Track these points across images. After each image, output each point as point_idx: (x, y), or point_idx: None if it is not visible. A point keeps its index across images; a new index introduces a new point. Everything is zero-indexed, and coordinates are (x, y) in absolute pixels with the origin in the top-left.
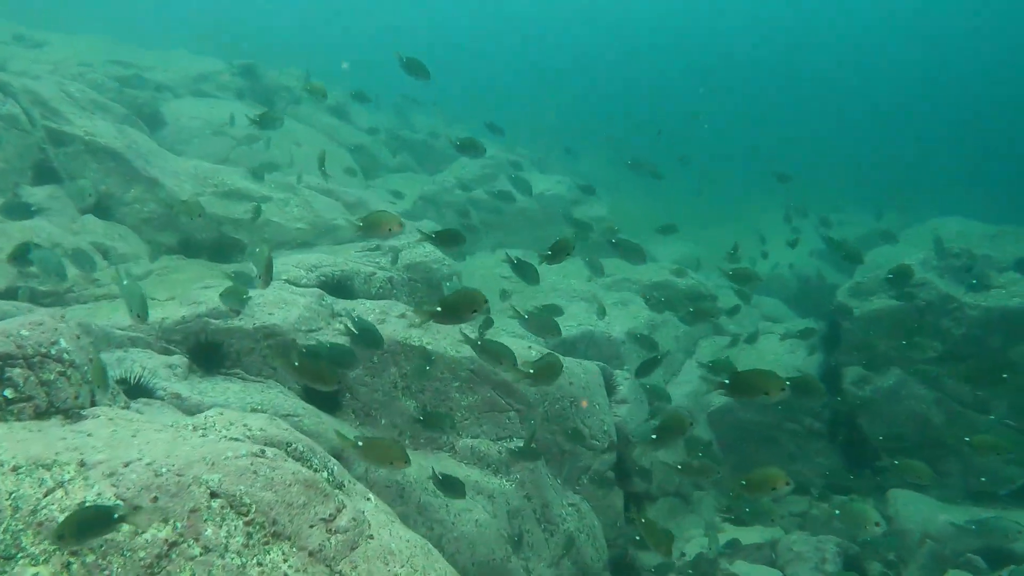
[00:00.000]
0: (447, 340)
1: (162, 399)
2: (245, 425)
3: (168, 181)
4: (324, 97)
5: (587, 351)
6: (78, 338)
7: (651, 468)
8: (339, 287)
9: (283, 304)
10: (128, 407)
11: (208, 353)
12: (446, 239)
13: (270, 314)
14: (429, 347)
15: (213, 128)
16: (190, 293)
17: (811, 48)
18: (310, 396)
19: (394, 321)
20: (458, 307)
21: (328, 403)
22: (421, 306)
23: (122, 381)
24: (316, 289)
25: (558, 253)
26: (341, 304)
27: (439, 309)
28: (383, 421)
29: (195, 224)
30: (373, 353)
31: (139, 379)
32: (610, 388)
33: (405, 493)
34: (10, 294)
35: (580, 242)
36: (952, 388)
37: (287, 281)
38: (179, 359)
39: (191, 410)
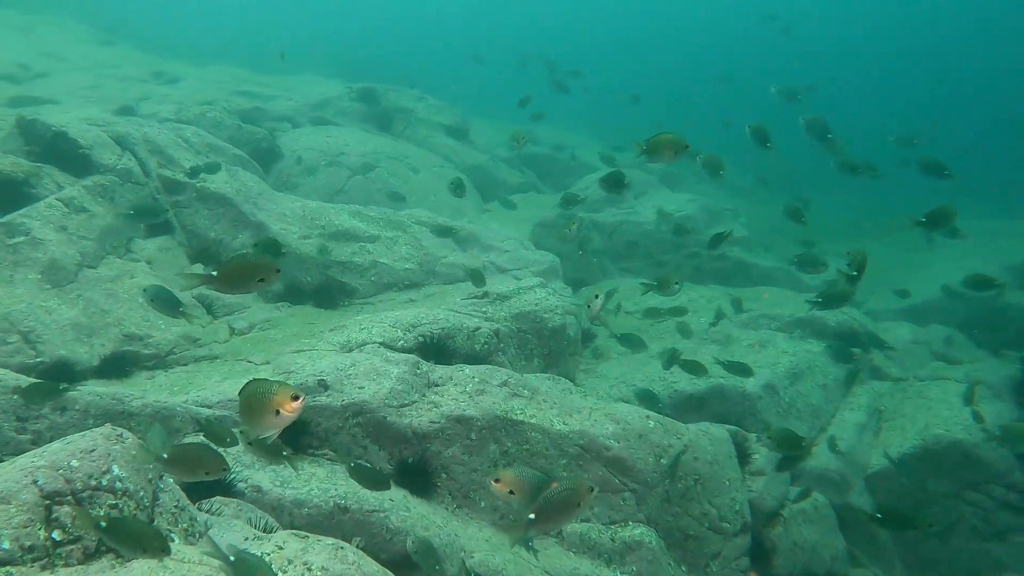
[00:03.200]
0: (554, 411)
1: (243, 492)
2: (305, 564)
3: (275, 225)
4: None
5: (718, 409)
6: (136, 457)
7: (798, 546)
8: (439, 348)
9: (375, 376)
10: (194, 523)
11: (294, 434)
12: None
13: (360, 388)
14: (533, 420)
15: (328, 158)
16: (282, 359)
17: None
18: (401, 479)
19: (495, 391)
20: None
21: (421, 486)
22: None
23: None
24: (412, 356)
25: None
26: (439, 371)
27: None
28: (482, 504)
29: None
30: None
31: None
32: (743, 456)
33: None
34: (116, 359)
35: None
36: None
37: (382, 344)
38: None
39: (271, 506)
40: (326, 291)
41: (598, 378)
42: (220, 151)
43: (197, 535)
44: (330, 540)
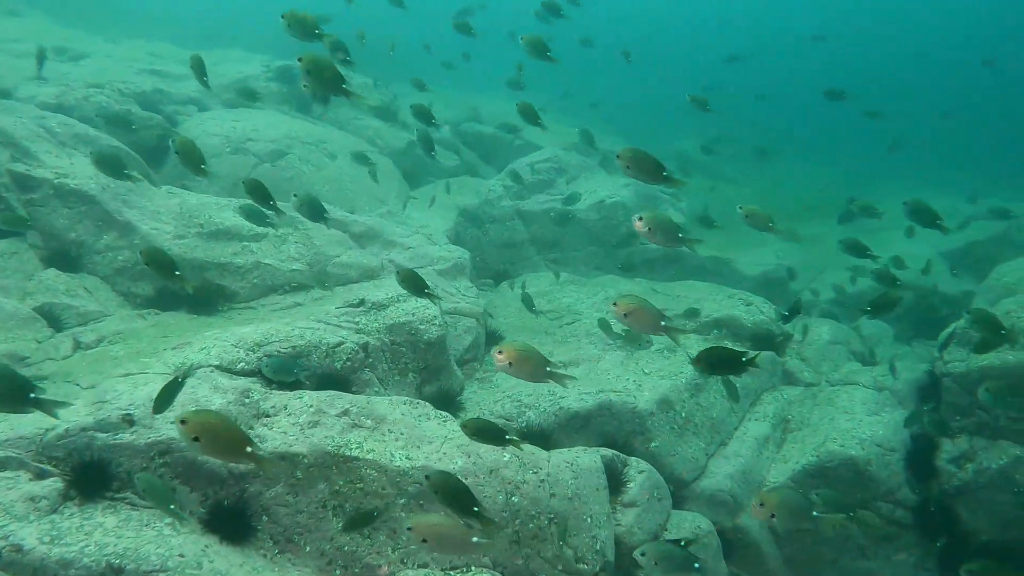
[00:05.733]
0: (399, 443)
1: None
2: None
3: (145, 225)
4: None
5: (606, 428)
6: None
7: None
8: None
9: (192, 408)
10: None
11: (91, 475)
12: None
13: (171, 423)
14: (370, 456)
15: (233, 145)
16: (105, 384)
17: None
18: (214, 523)
19: (331, 422)
20: None
21: (238, 530)
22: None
23: None
24: (244, 383)
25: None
26: (274, 399)
27: None
28: (307, 548)
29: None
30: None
31: None
32: (617, 485)
33: None
34: None
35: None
36: None
37: (218, 368)
38: (50, 486)
39: (32, 568)
40: (202, 295)
41: (489, 389)
42: (91, 142)
43: None
44: None
